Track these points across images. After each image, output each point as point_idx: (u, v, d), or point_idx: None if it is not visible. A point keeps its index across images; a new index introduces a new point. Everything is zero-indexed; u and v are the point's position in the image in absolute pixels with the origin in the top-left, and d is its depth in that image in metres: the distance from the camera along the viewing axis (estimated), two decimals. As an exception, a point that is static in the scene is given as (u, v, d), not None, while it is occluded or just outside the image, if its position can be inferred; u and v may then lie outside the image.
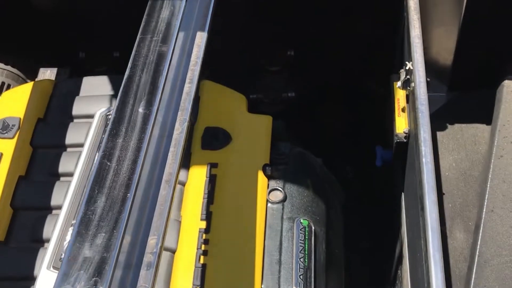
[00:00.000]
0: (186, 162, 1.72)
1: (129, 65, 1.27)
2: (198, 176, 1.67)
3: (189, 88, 1.27)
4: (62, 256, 1.54)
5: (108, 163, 1.06)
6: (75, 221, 1.53)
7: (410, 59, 1.73)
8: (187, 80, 1.29)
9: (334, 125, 2.66)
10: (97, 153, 1.67)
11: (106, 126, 1.78)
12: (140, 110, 1.16)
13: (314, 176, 1.77)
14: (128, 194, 1.02)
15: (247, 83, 2.44)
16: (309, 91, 2.60)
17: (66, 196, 1.65)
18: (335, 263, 1.71)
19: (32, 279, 1.54)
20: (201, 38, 1.39)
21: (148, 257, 0.99)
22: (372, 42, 2.37)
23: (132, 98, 1.19)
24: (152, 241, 1.02)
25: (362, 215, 2.27)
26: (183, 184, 1.69)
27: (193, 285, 1.49)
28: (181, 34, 1.37)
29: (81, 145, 1.77)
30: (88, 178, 1.14)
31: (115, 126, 1.13)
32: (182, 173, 1.71)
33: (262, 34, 2.41)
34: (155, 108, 1.17)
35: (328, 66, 2.50)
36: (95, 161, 1.06)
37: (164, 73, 1.24)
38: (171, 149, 1.16)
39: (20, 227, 1.65)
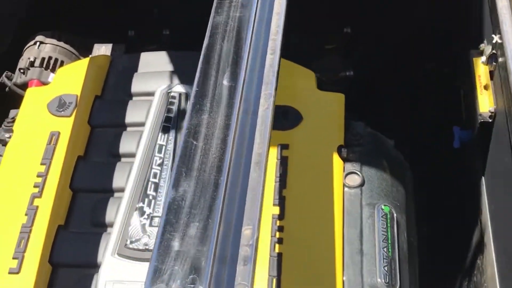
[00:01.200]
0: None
1: (208, 32, 1.15)
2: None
3: (272, 60, 1.14)
4: (128, 243, 1.45)
5: (195, 142, 0.95)
6: (140, 205, 1.44)
7: (496, 32, 1.58)
8: (269, 51, 1.17)
9: (394, 105, 2.52)
10: (171, 131, 1.58)
11: (167, 104, 1.68)
12: (225, 82, 1.04)
13: (390, 159, 1.64)
14: (221, 178, 0.91)
15: (305, 61, 2.31)
16: (368, 70, 2.46)
17: (129, 178, 1.55)
18: (413, 253, 1.59)
19: (95, 266, 1.46)
20: (280, 6, 1.27)
21: (244, 250, 0.87)
22: (431, 20, 2.23)
23: (214, 69, 1.07)
24: (247, 231, 0.90)
25: (430, 200, 2.12)
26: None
27: (269, 275, 1.38)
28: (260, 1, 1.24)
29: (141, 124, 1.67)
30: (175, 158, 1.02)
31: (199, 100, 1.01)
32: (250, 154, 1.59)
33: (319, 11, 2.28)
34: (240, 80, 1.05)
35: (386, 44, 2.36)
36: (180, 140, 0.94)
37: (247, 42, 1.12)
38: (258, 127, 1.04)
39: (80, 211, 1.56)
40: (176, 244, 0.83)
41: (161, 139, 1.61)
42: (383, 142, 1.69)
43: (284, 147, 1.57)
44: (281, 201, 1.48)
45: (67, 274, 1.46)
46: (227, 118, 0.99)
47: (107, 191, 1.57)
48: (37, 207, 1.51)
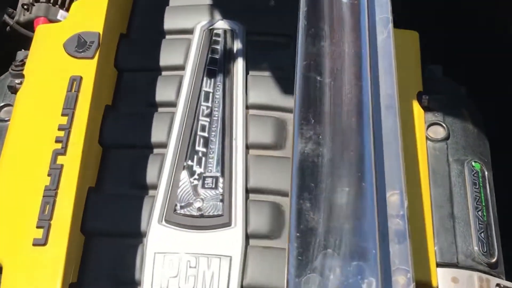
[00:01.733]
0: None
1: None
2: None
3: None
4: (178, 208, 1.20)
5: (319, 78, 0.70)
6: (189, 163, 1.19)
7: None
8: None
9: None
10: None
11: (211, 43, 1.42)
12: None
13: (469, 108, 1.42)
14: (363, 127, 0.67)
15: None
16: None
17: (171, 132, 1.30)
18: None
19: (137, 235, 1.22)
20: None
21: (395, 224, 0.64)
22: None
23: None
24: (393, 197, 0.67)
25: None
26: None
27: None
28: None
29: (180, 68, 1.41)
30: (295, 99, 0.77)
31: (312, 22, 0.76)
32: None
33: None
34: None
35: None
36: (296, 76, 0.69)
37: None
38: (381, 61, 0.79)
39: (113, 170, 1.30)
40: (320, 218, 0.59)
41: (207, 85, 1.35)
42: (459, 89, 1.46)
43: (353, 93, 1.32)
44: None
45: (104, 244, 1.22)
46: (355, 45, 0.74)
47: (145, 147, 1.32)
48: (61, 166, 1.25)
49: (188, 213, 1.20)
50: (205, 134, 1.29)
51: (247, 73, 1.39)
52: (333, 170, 0.63)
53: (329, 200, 0.61)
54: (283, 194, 1.25)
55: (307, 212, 0.61)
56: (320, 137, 0.66)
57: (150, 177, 1.27)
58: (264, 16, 1.47)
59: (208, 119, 1.31)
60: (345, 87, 0.71)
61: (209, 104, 1.33)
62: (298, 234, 0.59)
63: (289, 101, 1.34)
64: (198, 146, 1.27)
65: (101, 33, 1.42)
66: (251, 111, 1.34)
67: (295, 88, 0.74)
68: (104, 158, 1.32)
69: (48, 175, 1.23)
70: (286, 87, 1.36)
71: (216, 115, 1.31)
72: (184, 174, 1.24)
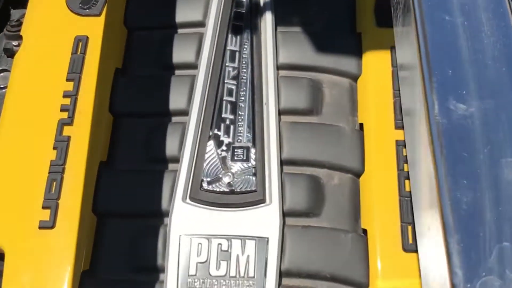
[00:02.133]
0: (354, 47, 1.20)
1: None
2: (380, 69, 1.15)
3: None
4: (204, 184, 1.05)
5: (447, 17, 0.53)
6: (215, 132, 1.04)
7: None
8: None
9: None
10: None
11: (234, -4, 1.25)
12: None
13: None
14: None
15: None
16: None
17: (193, 97, 1.14)
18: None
19: (157, 215, 1.06)
20: None
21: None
22: None
23: None
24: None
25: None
26: (355, 78, 1.18)
27: (402, 222, 1.01)
28: None
29: (200, 24, 1.24)
30: (418, 47, 0.60)
31: None
32: (350, 61, 1.19)
33: None
34: None
35: None
36: (423, 16, 0.52)
37: None
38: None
39: (127, 142, 1.15)
40: (486, 199, 0.43)
41: (232, 43, 1.19)
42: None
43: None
44: (406, 122, 1.09)
45: (119, 226, 1.07)
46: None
47: (162, 115, 1.16)
48: (68, 137, 1.09)
49: (216, 189, 1.04)
50: (232, 99, 1.13)
51: (276, 29, 1.22)
52: (489, 135, 0.47)
53: (492, 175, 0.45)
54: (321, 165, 1.10)
55: (465, 192, 0.45)
56: (464, 92, 0.50)
57: (170, 149, 1.11)
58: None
59: (235, 82, 1.14)
60: (485, 27, 0.54)
61: (236, 65, 1.16)
62: (458, 223, 0.43)
63: (323, 60, 1.19)
64: (225, 112, 1.11)
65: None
66: (281, 72, 1.18)
67: (417, 33, 0.57)
68: (116, 128, 1.16)
69: (54, 148, 1.08)
70: (319, 44, 1.20)
71: (244, 77, 1.15)
72: (210, 145, 1.08)
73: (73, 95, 1.13)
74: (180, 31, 1.25)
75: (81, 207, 1.03)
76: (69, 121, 1.10)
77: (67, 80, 1.14)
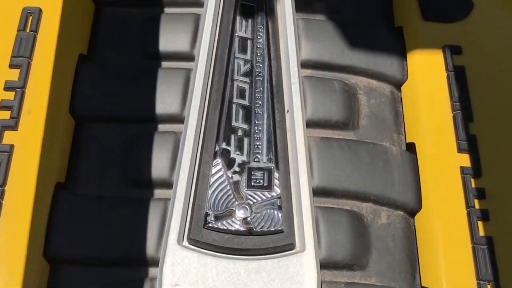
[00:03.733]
0: (395, 45, 0.94)
1: None
2: (431, 73, 0.89)
3: None
4: (211, 218, 0.74)
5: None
6: (222, 146, 0.75)
7: None
8: None
9: None
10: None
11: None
12: None
13: None
14: None
15: None
16: None
17: (191, 99, 0.83)
18: None
19: (142, 264, 0.75)
20: None
21: None
22: None
23: None
24: None
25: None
26: (398, 84, 0.92)
27: (479, 279, 0.75)
28: None
29: (197, 4, 0.94)
30: None
31: None
32: (390, 63, 0.92)
33: None
34: None
35: None
36: None
37: None
38: None
39: (96, 156, 0.83)
40: None
41: (242, 28, 0.89)
42: None
43: (455, 50, 0.91)
44: (472, 146, 0.83)
45: (83, 276, 0.75)
46: None
47: (145, 120, 0.85)
48: (11, 147, 0.77)
49: (227, 227, 0.74)
50: (245, 102, 0.83)
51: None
52: None
53: None
54: (363, 198, 0.82)
55: None
56: None
57: (158, 168, 0.80)
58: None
59: (248, 79, 0.85)
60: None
61: (248, 57, 0.86)
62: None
63: (356, 58, 0.92)
64: (236, 120, 0.81)
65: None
66: (306, 71, 0.90)
67: None
68: (79, 136, 0.84)
69: (-9, 163, 0.75)
70: (351, 37, 0.93)
71: (260, 74, 0.85)
72: (217, 164, 0.77)
73: (19, 88, 0.80)
74: (169, 9, 0.94)
75: (27, 251, 0.71)
76: (12, 124, 0.78)
77: (11, 66, 0.82)
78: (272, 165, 0.78)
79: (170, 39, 0.90)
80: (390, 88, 0.92)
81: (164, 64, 0.89)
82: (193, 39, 0.90)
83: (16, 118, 0.79)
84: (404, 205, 0.82)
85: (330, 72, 0.91)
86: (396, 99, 0.91)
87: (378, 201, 0.81)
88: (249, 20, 0.90)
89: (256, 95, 0.83)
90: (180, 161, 0.77)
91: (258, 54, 0.86)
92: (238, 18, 0.89)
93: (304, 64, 0.90)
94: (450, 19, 0.94)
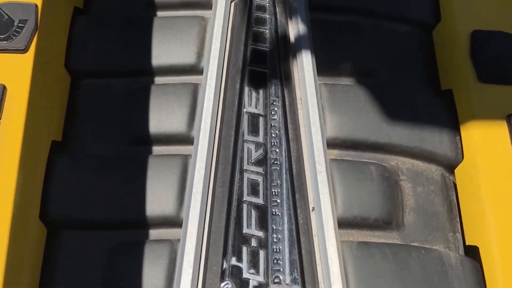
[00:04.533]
0: (445, 108, 0.76)
1: None
2: (491, 145, 0.71)
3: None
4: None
5: None
6: (230, 263, 0.56)
7: None
8: None
9: None
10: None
11: (249, 24, 0.77)
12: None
13: None
14: None
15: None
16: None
17: (188, 199, 0.64)
18: None
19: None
20: None
21: None
22: None
23: None
24: None
25: None
26: (450, 166, 0.73)
27: None
28: None
29: (191, 70, 0.77)
30: None
31: None
32: (439, 137, 0.74)
33: None
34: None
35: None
36: None
37: None
38: None
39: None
40: None
41: (252, 101, 0.71)
42: None
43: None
44: None
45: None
46: None
47: (136, 227, 0.66)
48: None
49: None
50: (259, 201, 0.64)
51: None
52: None
53: None
54: None
55: None
56: None
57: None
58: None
59: (261, 169, 0.66)
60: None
61: (260, 139, 0.68)
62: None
63: (398, 132, 0.73)
64: (248, 226, 0.62)
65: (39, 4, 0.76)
66: (332, 152, 0.72)
67: None
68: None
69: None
70: (389, 105, 0.75)
71: (277, 161, 0.67)
72: (224, 290, 0.59)
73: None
74: (159, 79, 0.76)
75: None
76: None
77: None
78: (298, 286, 0.59)
79: (162, 118, 0.72)
80: (440, 171, 0.73)
81: (156, 149, 0.71)
82: (190, 117, 0.71)
83: None
84: None
85: (364, 153, 0.72)
86: (448, 186, 0.73)
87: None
88: (260, 91, 0.71)
89: (273, 190, 0.65)
90: (176, 282, 0.59)
91: (273, 135, 0.68)
92: (246, 89, 0.71)
93: (330, 144, 0.71)
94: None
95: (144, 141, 0.71)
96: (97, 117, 0.74)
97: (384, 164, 0.71)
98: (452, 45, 0.79)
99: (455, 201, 0.72)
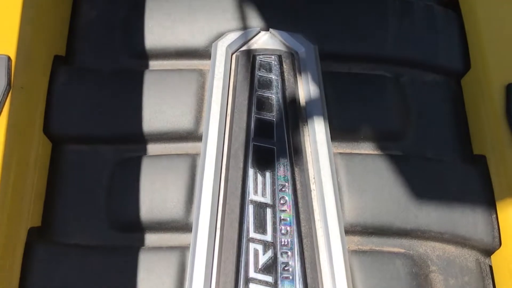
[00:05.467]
0: (479, 179, 0.66)
1: None
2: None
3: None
4: None
5: None
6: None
7: None
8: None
9: None
10: None
11: (252, 84, 0.66)
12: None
13: None
14: None
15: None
16: None
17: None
18: None
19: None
20: None
21: None
22: None
23: None
24: None
25: None
26: (486, 253, 0.63)
27: None
28: None
29: (188, 137, 0.66)
30: None
31: None
32: (473, 220, 0.64)
33: None
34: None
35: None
36: None
37: None
38: None
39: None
40: None
41: (258, 190, 0.61)
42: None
43: None
44: None
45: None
46: None
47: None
48: None
49: None
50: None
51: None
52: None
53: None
54: None
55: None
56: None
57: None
58: (353, 21, 0.73)
59: (270, 279, 0.56)
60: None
61: (268, 238, 0.58)
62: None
63: (427, 214, 0.63)
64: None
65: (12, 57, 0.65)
66: (352, 240, 0.62)
67: None
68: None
69: None
70: (413, 179, 0.64)
71: (289, 268, 0.57)
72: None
73: None
74: (153, 147, 0.66)
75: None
76: None
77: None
78: None
79: (156, 204, 0.61)
80: (475, 256, 0.63)
81: (149, 238, 0.61)
82: (186, 207, 0.61)
83: None
84: None
85: (388, 239, 0.62)
86: (484, 273, 0.63)
87: None
88: (267, 174, 0.61)
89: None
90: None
91: (283, 232, 0.58)
92: (251, 171, 0.60)
93: (349, 231, 0.61)
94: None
95: (134, 230, 0.62)
96: (77, 197, 0.64)
97: (411, 252, 0.62)
98: (485, 99, 0.68)
99: None
